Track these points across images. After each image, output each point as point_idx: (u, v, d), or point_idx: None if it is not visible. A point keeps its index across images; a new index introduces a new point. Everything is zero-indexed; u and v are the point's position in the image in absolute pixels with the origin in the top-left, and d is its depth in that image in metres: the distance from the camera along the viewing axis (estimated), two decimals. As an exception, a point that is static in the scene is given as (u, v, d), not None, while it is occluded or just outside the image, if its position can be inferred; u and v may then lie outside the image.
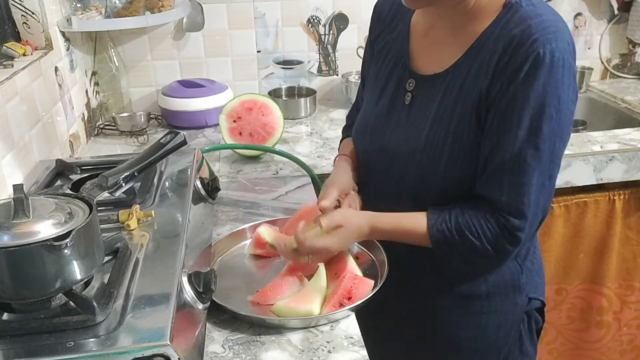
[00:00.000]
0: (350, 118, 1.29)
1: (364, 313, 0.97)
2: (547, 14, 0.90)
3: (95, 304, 0.75)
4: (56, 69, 1.49)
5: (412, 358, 1.19)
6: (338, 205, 1.05)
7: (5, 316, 0.78)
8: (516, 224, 0.92)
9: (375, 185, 1.10)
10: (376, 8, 1.17)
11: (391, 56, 1.08)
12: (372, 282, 0.99)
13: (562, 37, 0.88)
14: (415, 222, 0.98)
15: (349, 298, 0.96)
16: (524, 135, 0.89)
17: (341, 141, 1.28)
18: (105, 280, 0.82)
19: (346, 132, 1.27)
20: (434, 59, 1.00)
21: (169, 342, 0.71)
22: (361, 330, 0.93)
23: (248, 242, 1.15)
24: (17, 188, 0.78)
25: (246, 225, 1.18)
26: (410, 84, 1.03)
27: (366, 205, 1.10)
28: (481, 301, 1.07)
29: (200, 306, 0.87)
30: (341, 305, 0.95)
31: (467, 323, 1.10)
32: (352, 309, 0.94)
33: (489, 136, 0.92)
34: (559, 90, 0.87)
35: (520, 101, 0.88)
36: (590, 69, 2.12)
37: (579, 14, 2.12)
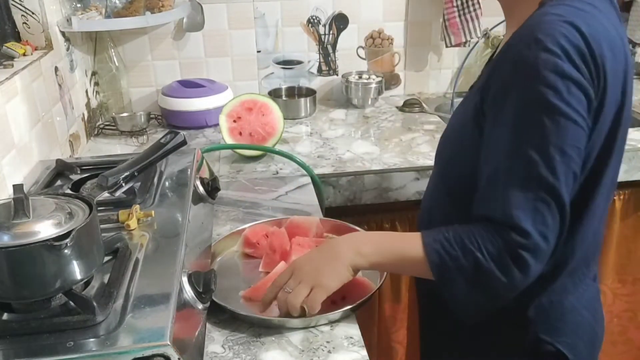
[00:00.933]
0: None
1: None
2: (550, 14, 0.82)
3: (95, 304, 0.75)
4: (56, 69, 1.49)
5: None
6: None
7: (5, 316, 0.78)
8: (519, 241, 0.81)
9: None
10: None
11: None
12: (370, 284, 0.99)
13: (554, 39, 0.78)
14: (408, 240, 0.90)
15: (344, 298, 0.96)
16: (512, 148, 0.82)
17: None
18: (105, 280, 0.82)
19: None
20: None
21: (169, 342, 0.71)
22: None
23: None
24: (17, 188, 0.78)
25: (246, 225, 1.18)
26: None
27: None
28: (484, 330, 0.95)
29: (200, 306, 0.87)
30: (333, 303, 0.94)
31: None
32: (352, 309, 0.94)
33: (482, 148, 0.87)
34: (547, 95, 0.79)
35: (504, 110, 0.82)
36: (590, 69, 2.12)
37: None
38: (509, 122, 0.81)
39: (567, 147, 0.80)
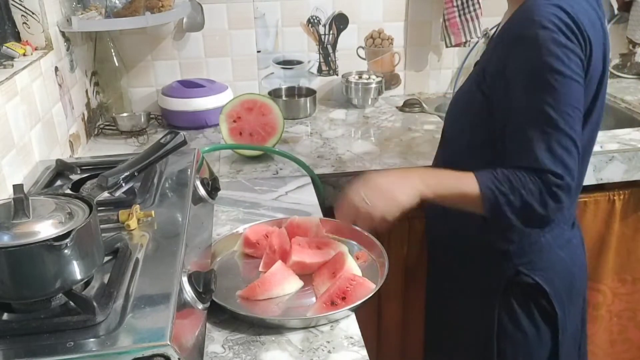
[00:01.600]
0: None
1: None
2: None
3: (95, 304, 0.75)
4: (56, 69, 1.49)
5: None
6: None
7: (5, 316, 0.78)
8: (554, 181, 0.97)
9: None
10: None
11: None
12: (371, 285, 0.99)
13: (549, 18, 0.97)
14: (465, 178, 1.02)
15: (343, 298, 0.96)
16: (532, 110, 0.98)
17: None
18: (105, 280, 0.82)
19: None
20: None
21: (169, 342, 0.71)
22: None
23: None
24: (17, 188, 0.78)
25: (246, 225, 1.18)
26: None
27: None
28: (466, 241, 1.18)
29: (200, 306, 0.87)
30: (333, 303, 0.95)
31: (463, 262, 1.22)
32: (352, 309, 0.94)
33: (500, 112, 1.04)
34: (552, 63, 0.96)
35: (516, 78, 0.99)
36: (590, 69, 2.12)
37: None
38: (523, 88, 0.98)
39: (575, 103, 0.98)
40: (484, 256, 1.17)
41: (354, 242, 1.15)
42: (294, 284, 1.01)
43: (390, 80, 2.12)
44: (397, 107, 1.99)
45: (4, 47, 1.32)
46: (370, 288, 0.98)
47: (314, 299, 0.99)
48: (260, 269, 1.07)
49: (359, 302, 0.94)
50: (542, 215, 1.00)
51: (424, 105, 1.96)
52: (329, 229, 1.17)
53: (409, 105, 1.96)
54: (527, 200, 0.98)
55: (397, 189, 1.02)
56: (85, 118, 1.73)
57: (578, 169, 1.00)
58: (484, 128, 1.08)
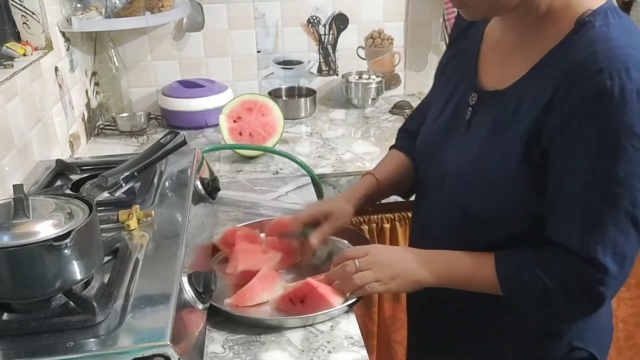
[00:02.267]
0: (403, 127, 1.23)
1: None
2: (622, 38, 0.78)
3: (95, 304, 0.75)
4: (56, 69, 1.49)
5: None
6: (317, 224, 1.06)
7: (5, 316, 0.78)
8: (595, 276, 0.81)
9: (428, 201, 1.04)
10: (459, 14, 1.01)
11: (460, 66, 1.00)
12: (334, 301, 0.93)
13: (637, 66, 0.75)
14: (480, 263, 0.90)
15: (302, 302, 0.94)
16: (591, 179, 0.79)
17: (391, 147, 1.21)
18: (105, 281, 0.82)
19: (397, 140, 1.21)
20: (499, 73, 0.91)
21: (169, 342, 0.71)
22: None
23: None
24: (17, 188, 0.78)
25: (252, 222, 1.18)
26: (473, 99, 0.94)
27: (416, 221, 1.09)
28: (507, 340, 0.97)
29: (200, 306, 0.87)
30: (291, 300, 0.94)
31: None
32: (350, 305, 0.94)
33: (552, 176, 0.83)
34: (634, 126, 0.75)
35: (582, 140, 0.78)
36: (590, 69, 2.11)
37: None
38: (587, 152, 0.78)
39: None
40: (534, 336, 0.98)
41: (345, 242, 1.14)
42: (281, 286, 1.00)
43: (390, 81, 2.11)
44: (388, 111, 1.97)
45: (4, 47, 1.32)
46: (330, 303, 0.93)
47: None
48: (227, 271, 1.05)
49: (355, 299, 0.94)
50: (572, 312, 0.86)
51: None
52: None
53: (399, 108, 1.96)
54: (553, 294, 0.83)
55: (393, 278, 0.92)
56: (85, 118, 1.73)
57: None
58: (529, 208, 0.86)
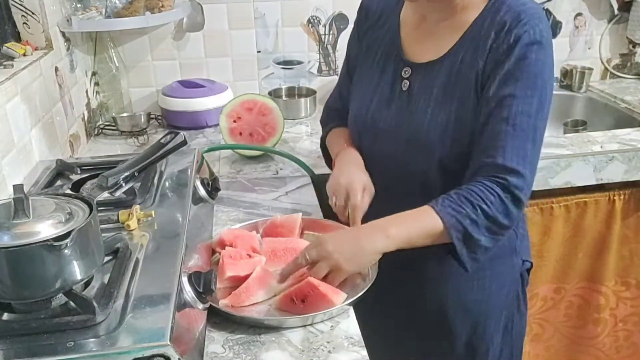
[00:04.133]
0: (332, 109, 1.33)
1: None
2: (530, 2, 1.02)
3: (95, 304, 0.75)
4: (56, 69, 1.49)
5: (421, 324, 1.21)
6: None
7: (5, 316, 0.78)
8: (516, 183, 0.97)
9: (378, 173, 1.12)
10: (363, 5, 1.23)
11: (383, 50, 1.15)
12: (336, 299, 0.93)
13: (546, 21, 1.01)
14: (423, 215, 0.98)
15: (303, 301, 0.93)
16: (519, 103, 0.97)
17: (327, 133, 1.30)
18: (106, 280, 0.82)
19: (331, 122, 1.31)
20: (427, 48, 1.08)
21: (169, 342, 0.71)
22: (368, 301, 0.95)
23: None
24: (17, 188, 0.78)
25: (248, 223, 1.18)
26: (406, 72, 1.10)
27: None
28: (484, 265, 1.08)
29: (200, 306, 0.88)
30: (292, 300, 0.94)
31: (472, 287, 1.15)
32: (350, 304, 0.94)
33: (484, 106, 1.00)
34: (547, 65, 0.99)
35: (514, 73, 0.97)
36: (591, 69, 2.11)
37: (579, 14, 2.12)
38: (519, 85, 0.98)
39: (549, 104, 1.01)
40: (496, 262, 1.14)
41: None
42: (276, 286, 0.99)
43: (390, 81, 2.11)
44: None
45: (4, 47, 1.32)
46: (331, 302, 0.93)
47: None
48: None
49: (355, 298, 0.94)
50: (507, 226, 0.99)
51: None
52: (316, 228, 1.17)
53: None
54: (489, 213, 0.96)
55: (347, 259, 0.95)
56: (85, 118, 1.73)
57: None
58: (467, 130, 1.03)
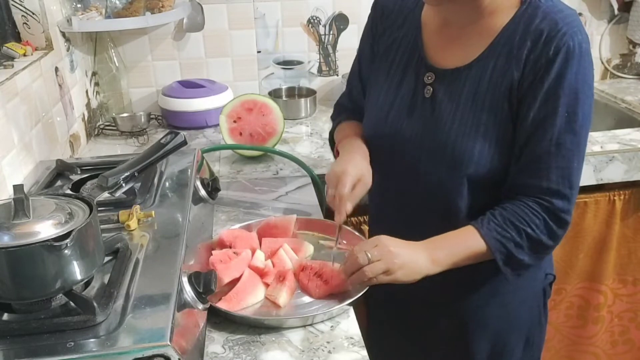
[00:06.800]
0: (343, 107, 1.29)
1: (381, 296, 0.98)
2: (566, 9, 0.97)
3: (95, 304, 0.75)
4: (56, 69, 1.49)
5: (440, 340, 1.19)
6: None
7: (5, 316, 0.78)
8: (561, 206, 0.96)
9: (395, 187, 1.09)
10: (378, 5, 1.17)
11: (402, 53, 1.09)
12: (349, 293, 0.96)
13: (583, 30, 0.96)
14: (467, 237, 0.97)
15: (326, 281, 0.96)
16: (562, 122, 0.94)
17: (335, 126, 1.27)
18: (106, 281, 0.82)
19: (342, 110, 1.28)
20: (453, 53, 1.02)
21: (169, 342, 0.71)
22: (381, 313, 0.95)
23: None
24: (18, 188, 0.78)
25: (243, 225, 1.18)
26: (429, 77, 1.04)
27: (374, 202, 1.10)
28: (507, 280, 1.04)
29: (200, 306, 0.88)
30: (317, 275, 0.96)
31: (494, 302, 1.12)
32: (350, 304, 0.94)
33: (525, 126, 0.96)
34: (587, 77, 0.95)
35: (556, 91, 0.93)
36: (590, 69, 2.11)
37: (579, 14, 2.11)
38: (558, 103, 0.94)
39: (591, 117, 0.98)
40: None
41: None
42: (263, 290, 0.99)
43: (391, 81, 2.11)
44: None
45: (4, 48, 1.32)
46: (348, 294, 0.96)
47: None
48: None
49: (355, 298, 0.94)
50: (552, 246, 1.00)
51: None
52: (312, 228, 1.17)
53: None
54: (535, 237, 0.96)
55: (400, 269, 0.93)
56: (86, 118, 1.73)
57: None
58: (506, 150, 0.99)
